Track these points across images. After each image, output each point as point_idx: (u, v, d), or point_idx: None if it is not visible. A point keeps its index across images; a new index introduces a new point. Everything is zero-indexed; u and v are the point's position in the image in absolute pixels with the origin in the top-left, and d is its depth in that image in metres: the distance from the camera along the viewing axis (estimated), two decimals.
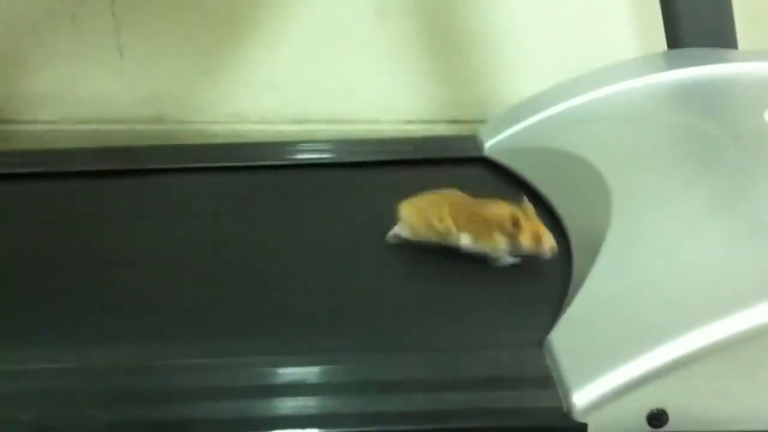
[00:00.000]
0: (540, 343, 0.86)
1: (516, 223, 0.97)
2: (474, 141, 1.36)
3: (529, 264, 1.00)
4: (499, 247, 0.99)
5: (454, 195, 1.04)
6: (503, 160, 1.28)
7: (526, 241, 0.98)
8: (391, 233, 1.06)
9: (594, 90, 1.32)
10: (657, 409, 0.78)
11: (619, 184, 1.06)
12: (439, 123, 1.56)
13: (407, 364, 0.86)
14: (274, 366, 0.86)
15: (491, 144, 1.33)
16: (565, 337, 0.85)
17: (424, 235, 1.03)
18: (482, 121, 1.45)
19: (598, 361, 0.80)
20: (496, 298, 0.98)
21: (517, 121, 1.33)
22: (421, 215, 1.02)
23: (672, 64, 1.34)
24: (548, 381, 0.81)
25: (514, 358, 0.85)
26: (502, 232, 0.98)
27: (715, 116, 1.19)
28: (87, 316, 0.98)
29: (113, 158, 1.37)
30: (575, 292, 0.91)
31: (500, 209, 0.99)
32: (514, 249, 0.99)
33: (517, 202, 1.01)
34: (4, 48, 1.47)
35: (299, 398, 0.82)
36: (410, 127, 1.57)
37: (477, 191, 1.23)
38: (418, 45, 1.54)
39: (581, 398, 0.78)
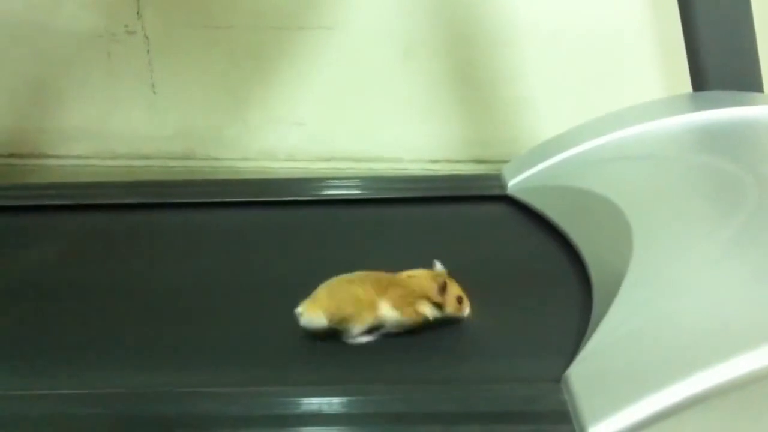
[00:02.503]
0: (557, 378, 0.86)
1: (443, 289, 0.95)
2: (497, 179, 1.37)
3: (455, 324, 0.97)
4: (425, 314, 0.95)
5: (363, 274, 0.97)
6: (526, 198, 1.29)
7: (450, 306, 0.96)
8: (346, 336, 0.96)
9: (617, 130, 1.33)
10: None
11: (641, 223, 1.06)
12: (463, 162, 1.58)
13: (423, 396, 0.86)
14: (290, 396, 0.87)
15: (514, 182, 1.34)
16: (583, 373, 0.85)
17: (351, 319, 0.94)
18: (507, 161, 1.46)
19: (615, 398, 0.80)
20: (515, 331, 0.98)
21: (540, 160, 1.34)
22: (344, 300, 0.94)
23: (697, 106, 1.35)
24: (565, 416, 0.81)
25: (532, 392, 0.85)
26: (427, 301, 0.95)
27: (738, 158, 1.19)
28: (108, 343, 0.99)
29: (141, 192, 1.40)
30: (594, 329, 0.91)
31: (423, 279, 0.96)
32: (440, 314, 0.96)
33: (428, 268, 0.97)
34: (39, 82, 1.51)
35: (313, 428, 0.83)
36: (435, 166, 1.58)
37: (500, 228, 1.25)
38: (445, 85, 1.56)
39: None
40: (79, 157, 1.53)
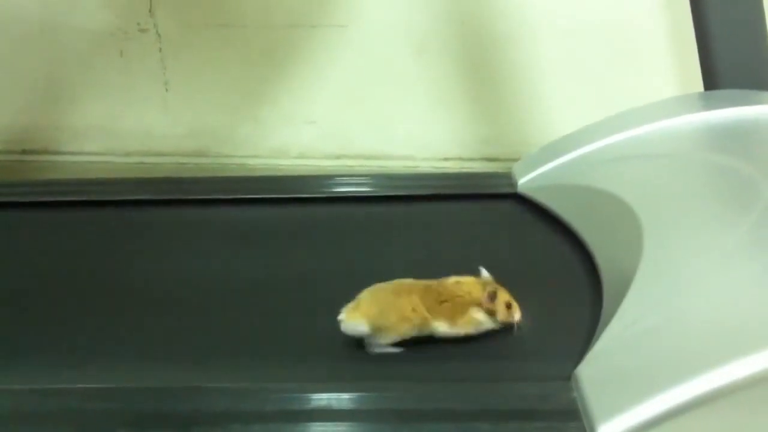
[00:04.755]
0: (567, 375, 0.86)
1: (493, 297, 0.94)
2: (508, 178, 1.37)
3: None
4: (480, 324, 0.95)
5: (406, 282, 0.96)
6: (536, 196, 1.29)
7: (501, 313, 0.95)
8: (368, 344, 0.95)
9: (628, 129, 1.33)
10: None
11: (652, 222, 1.06)
12: (474, 161, 1.58)
13: (434, 394, 0.86)
14: (303, 392, 0.87)
15: (524, 181, 1.34)
16: (593, 371, 0.85)
17: (392, 329, 0.94)
18: (518, 159, 1.46)
19: (624, 395, 0.80)
20: (524, 329, 0.99)
21: (550, 158, 1.34)
22: (388, 311, 0.93)
23: (708, 105, 1.34)
24: (574, 414, 0.81)
25: (541, 390, 0.85)
26: (479, 308, 0.94)
27: (749, 156, 1.18)
28: (121, 338, 1.00)
29: (153, 188, 1.41)
30: (604, 327, 0.91)
31: (472, 287, 0.95)
32: (492, 323, 0.96)
33: (475, 275, 0.97)
34: (52, 80, 1.52)
35: (325, 425, 0.83)
36: (446, 164, 1.58)
37: (510, 226, 1.25)
38: (456, 83, 1.56)
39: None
40: (92, 154, 1.54)
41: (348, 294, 0.96)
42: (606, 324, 0.92)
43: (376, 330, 0.93)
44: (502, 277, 0.98)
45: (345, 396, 0.86)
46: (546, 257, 1.16)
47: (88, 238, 1.27)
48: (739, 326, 0.84)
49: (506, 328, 0.96)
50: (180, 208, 1.36)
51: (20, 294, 1.11)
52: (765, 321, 0.83)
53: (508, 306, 0.95)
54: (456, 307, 0.94)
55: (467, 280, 0.95)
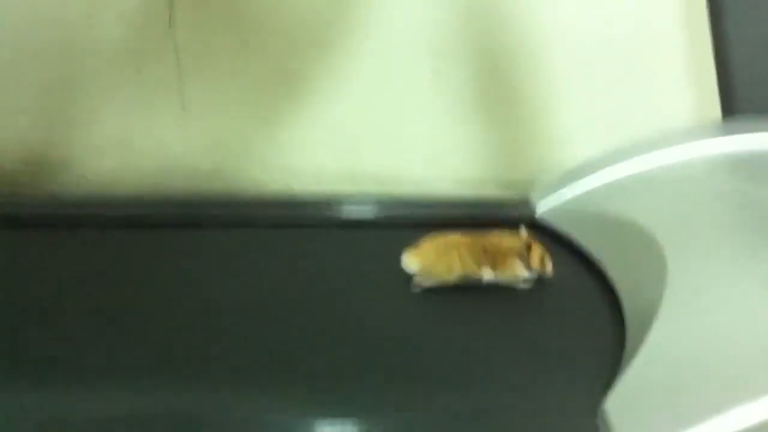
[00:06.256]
0: (594, 410, 0.85)
1: (529, 248, 1.11)
2: (525, 204, 1.37)
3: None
4: (519, 273, 1.11)
5: (457, 236, 1.14)
6: (555, 223, 1.29)
7: (535, 264, 1.11)
8: (414, 282, 1.14)
9: (647, 156, 1.32)
10: None
11: (674, 251, 1.05)
12: (489, 183, 1.57)
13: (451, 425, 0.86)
14: (321, 418, 0.86)
15: (543, 207, 1.33)
16: (620, 405, 0.84)
17: (444, 277, 1.12)
18: (533, 182, 1.45)
19: (654, 430, 0.79)
20: (546, 363, 0.98)
21: (570, 184, 1.34)
22: (438, 259, 1.12)
23: (727, 133, 1.34)
24: None
25: (568, 425, 0.84)
26: (519, 258, 1.11)
27: None
28: (136, 358, 1.00)
29: (167, 208, 1.41)
30: (630, 359, 0.90)
31: (511, 240, 1.13)
32: (528, 272, 1.12)
33: (516, 231, 1.14)
34: (69, 96, 1.52)
35: None
36: (461, 187, 1.57)
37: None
38: (473, 105, 1.55)
39: None
40: (106, 171, 1.53)
41: (359, 319, 1.05)
42: (631, 357, 0.91)
43: (425, 272, 1.11)
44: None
45: (357, 423, 0.85)
46: (564, 285, 1.15)
47: (101, 255, 1.27)
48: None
49: (540, 280, 1.11)
50: (194, 230, 1.35)
51: (26, 315, 1.10)
52: None
53: (542, 260, 1.11)
54: (498, 257, 1.10)
55: (508, 236, 1.13)
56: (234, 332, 1.06)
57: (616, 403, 0.84)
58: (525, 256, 1.11)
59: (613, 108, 1.54)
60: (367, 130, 1.57)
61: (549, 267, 1.12)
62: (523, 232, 1.14)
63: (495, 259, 1.11)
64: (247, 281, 1.19)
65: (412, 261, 1.13)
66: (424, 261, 1.12)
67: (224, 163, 1.56)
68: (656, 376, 0.87)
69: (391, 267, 1.15)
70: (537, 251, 1.11)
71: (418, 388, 0.93)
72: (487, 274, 1.11)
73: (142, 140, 1.54)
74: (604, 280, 1.12)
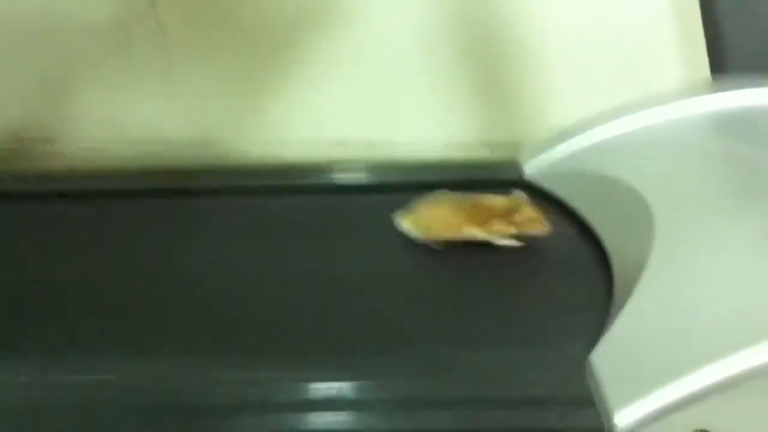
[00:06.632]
0: (581, 363, 0.86)
1: (522, 208, 1.13)
2: (513, 165, 1.36)
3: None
4: (511, 232, 1.14)
5: (450, 197, 1.19)
6: (543, 183, 1.28)
7: (527, 224, 1.13)
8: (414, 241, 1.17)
9: (636, 116, 1.32)
10: (700, 431, 0.77)
11: (663, 210, 1.06)
12: (477, 146, 1.56)
13: (445, 382, 0.86)
14: (314, 381, 0.87)
15: (531, 168, 1.33)
16: (607, 358, 0.85)
17: (439, 236, 1.15)
18: (522, 145, 1.44)
19: (640, 382, 0.80)
20: (534, 316, 0.98)
21: (557, 145, 1.34)
22: (432, 219, 1.17)
23: (717, 91, 1.33)
24: (589, 401, 0.81)
25: (555, 377, 0.85)
26: (512, 218, 1.13)
27: (761, 144, 1.18)
28: (127, 330, 0.99)
29: (156, 178, 1.40)
30: (617, 314, 0.91)
31: (504, 201, 1.16)
32: (517, 232, 1.14)
33: (509, 193, 1.17)
34: (55, 70, 1.51)
35: (334, 414, 0.83)
36: (450, 151, 1.57)
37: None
38: (460, 73, 1.54)
39: (623, 419, 0.77)
40: (92, 143, 1.53)
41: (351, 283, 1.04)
42: (618, 311, 0.91)
43: (425, 231, 1.16)
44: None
45: (349, 384, 0.86)
46: (553, 244, 1.15)
47: (89, 229, 1.27)
48: (756, 313, 0.83)
49: (532, 239, 1.13)
50: (183, 199, 1.35)
51: (22, 288, 1.09)
52: None
53: (534, 220, 1.13)
54: (485, 217, 1.14)
55: (499, 197, 1.17)
56: (227, 300, 1.06)
57: (602, 356, 0.85)
58: (517, 216, 1.13)
59: (605, 72, 1.52)
60: (356, 97, 1.56)
61: (541, 227, 1.13)
62: (518, 193, 1.17)
63: (488, 219, 1.14)
64: (239, 249, 1.19)
65: (407, 222, 1.17)
66: (419, 221, 1.17)
67: (212, 135, 1.55)
68: (642, 329, 0.87)
69: (386, 229, 1.17)
70: (525, 213, 1.14)
71: (419, 348, 0.94)
72: (480, 234, 1.14)
73: (129, 111, 1.53)
74: (593, 239, 1.13)
